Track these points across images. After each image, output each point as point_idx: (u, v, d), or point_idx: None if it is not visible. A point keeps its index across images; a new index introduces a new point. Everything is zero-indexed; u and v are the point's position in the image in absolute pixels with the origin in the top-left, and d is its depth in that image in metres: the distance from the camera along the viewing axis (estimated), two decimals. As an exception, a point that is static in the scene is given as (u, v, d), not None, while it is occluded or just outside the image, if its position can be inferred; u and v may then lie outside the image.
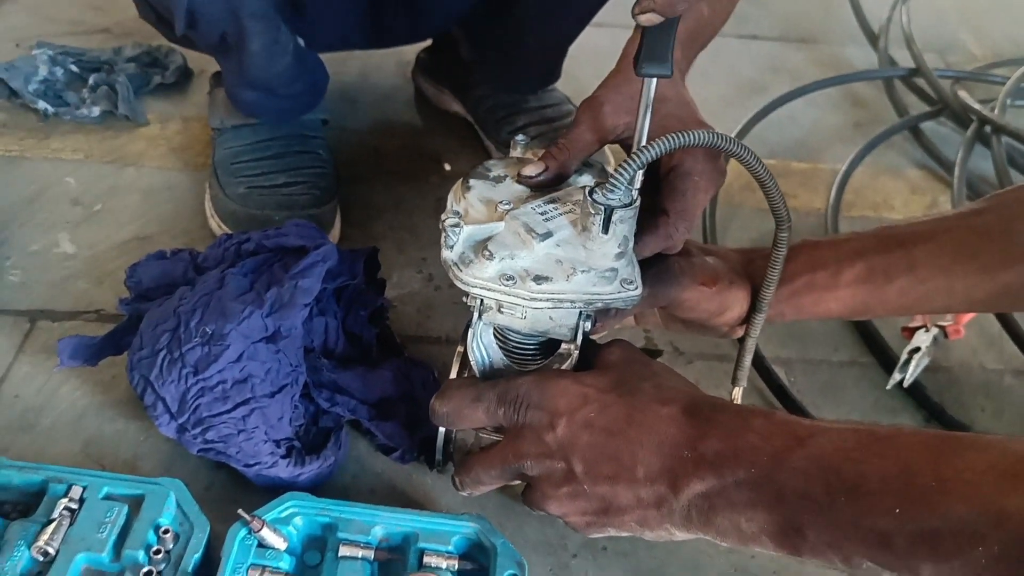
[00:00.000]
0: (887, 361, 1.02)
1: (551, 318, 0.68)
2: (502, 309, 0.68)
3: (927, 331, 1.01)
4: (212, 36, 0.98)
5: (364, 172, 1.23)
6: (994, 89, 1.52)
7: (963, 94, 1.45)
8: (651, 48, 0.62)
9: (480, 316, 0.69)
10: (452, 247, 0.67)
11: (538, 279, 0.65)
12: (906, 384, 0.99)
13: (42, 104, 1.22)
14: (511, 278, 0.65)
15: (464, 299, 0.68)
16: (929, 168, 1.39)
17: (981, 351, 1.07)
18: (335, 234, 1.10)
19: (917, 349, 0.99)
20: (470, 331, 0.70)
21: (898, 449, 0.55)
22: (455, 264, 0.66)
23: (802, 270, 0.77)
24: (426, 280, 1.08)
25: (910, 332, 1.02)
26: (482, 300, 0.67)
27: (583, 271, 0.66)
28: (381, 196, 1.20)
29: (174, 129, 1.26)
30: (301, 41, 1.06)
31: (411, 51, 1.37)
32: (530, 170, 0.72)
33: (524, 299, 0.65)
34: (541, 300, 0.65)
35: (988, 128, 1.37)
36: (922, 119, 1.46)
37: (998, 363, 1.06)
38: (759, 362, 0.99)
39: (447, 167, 1.26)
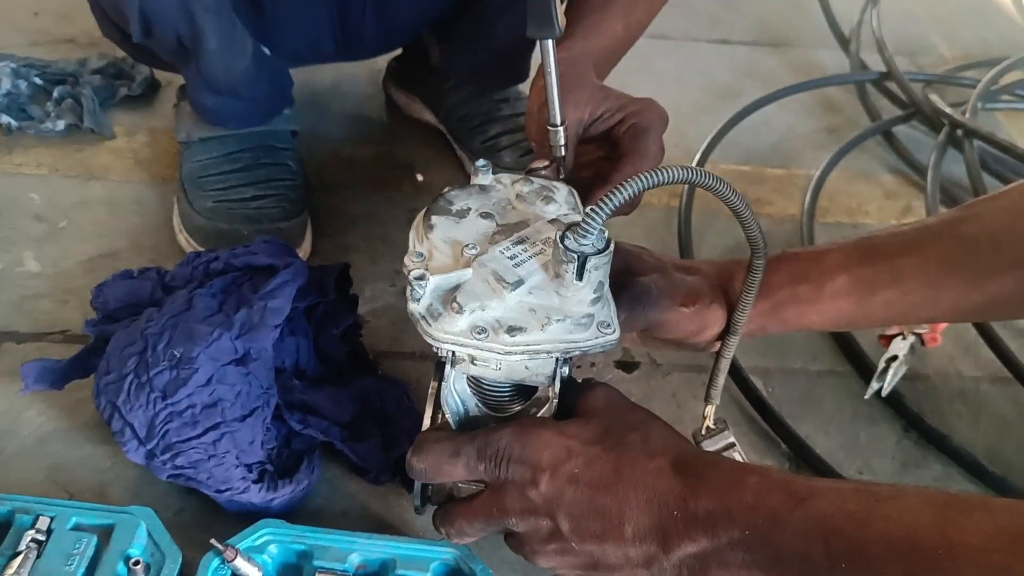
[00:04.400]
0: (864, 370, 1.02)
1: (527, 368, 0.65)
2: (475, 361, 0.65)
3: (904, 339, 1.01)
4: (169, 38, 0.96)
5: (336, 182, 1.22)
6: (965, 92, 1.52)
7: (934, 98, 1.45)
8: (536, 15, 0.70)
9: (452, 367, 0.66)
10: (419, 300, 0.64)
11: (512, 330, 0.62)
12: (884, 393, 0.99)
13: (5, 118, 1.20)
14: (483, 331, 0.62)
15: (435, 350, 0.65)
16: (902, 172, 1.40)
17: (958, 358, 1.07)
18: (306, 247, 1.09)
19: (895, 357, 0.99)
20: (443, 383, 0.67)
21: (902, 511, 0.53)
22: (423, 318, 0.63)
23: (784, 283, 0.75)
24: (400, 293, 1.06)
25: (887, 340, 1.02)
26: (453, 352, 0.65)
27: (558, 320, 0.63)
28: (353, 206, 1.18)
29: (141, 142, 1.24)
30: (267, 51, 1.05)
31: (383, 60, 1.36)
32: (538, 164, 0.78)
33: (498, 352, 0.63)
34: (516, 352, 0.62)
35: (960, 132, 1.38)
36: (894, 123, 1.47)
37: (975, 370, 1.06)
38: (737, 373, 0.99)
39: (420, 177, 1.25)
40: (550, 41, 0.72)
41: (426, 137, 1.31)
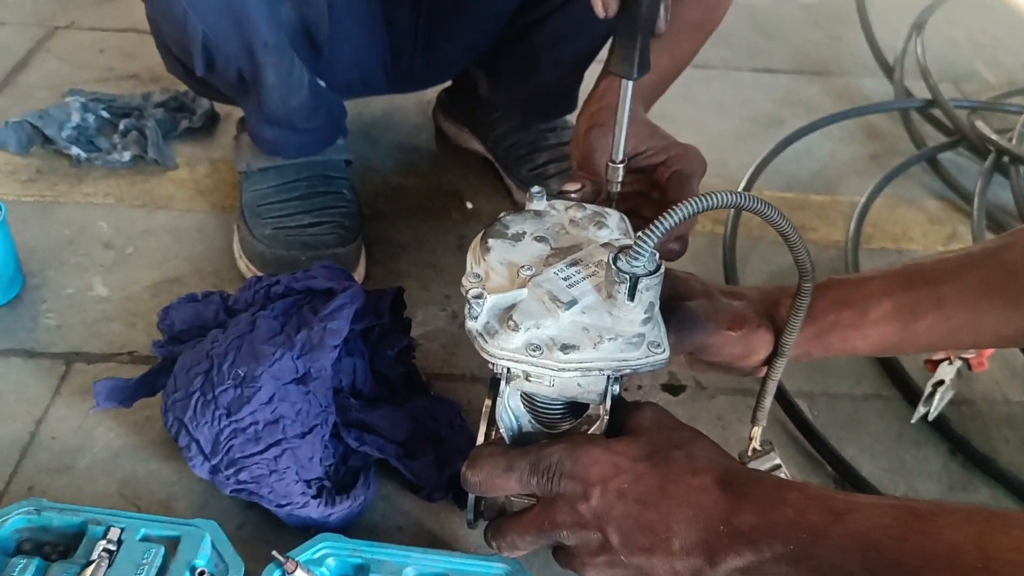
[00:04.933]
0: (910, 394, 1.03)
1: (579, 385, 0.67)
2: (529, 377, 0.67)
3: (950, 364, 1.01)
4: (230, 72, 1.01)
5: (387, 210, 1.25)
6: (1011, 118, 1.53)
7: (980, 124, 1.46)
8: (620, 52, 0.74)
9: (507, 383, 0.68)
10: (476, 318, 0.66)
11: (565, 348, 0.65)
12: (931, 418, 0.99)
13: (75, 150, 1.26)
14: (538, 348, 0.65)
15: (490, 367, 0.67)
16: (948, 199, 1.40)
17: (1004, 383, 1.07)
18: (360, 273, 1.12)
19: (941, 382, 0.99)
20: (498, 399, 0.69)
21: (940, 527, 0.54)
22: (480, 335, 0.66)
23: (828, 309, 0.77)
24: (450, 317, 1.09)
25: (933, 365, 1.02)
26: (509, 369, 0.67)
27: (610, 338, 0.65)
28: (404, 234, 1.22)
29: (202, 172, 1.29)
30: (322, 83, 1.09)
31: (433, 91, 1.40)
32: (570, 186, 0.81)
33: (552, 369, 0.65)
34: (569, 369, 0.65)
35: (1006, 158, 1.38)
36: (939, 150, 1.47)
37: (1022, 395, 1.06)
38: (782, 396, 1.00)
39: (469, 205, 1.28)
40: (631, 84, 0.75)
41: (474, 166, 1.34)
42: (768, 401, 0.81)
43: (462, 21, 1.15)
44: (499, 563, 0.76)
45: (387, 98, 1.44)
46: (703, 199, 0.61)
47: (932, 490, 0.95)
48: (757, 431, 0.83)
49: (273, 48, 0.98)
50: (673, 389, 1.03)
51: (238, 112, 1.21)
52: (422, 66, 1.19)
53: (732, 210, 1.26)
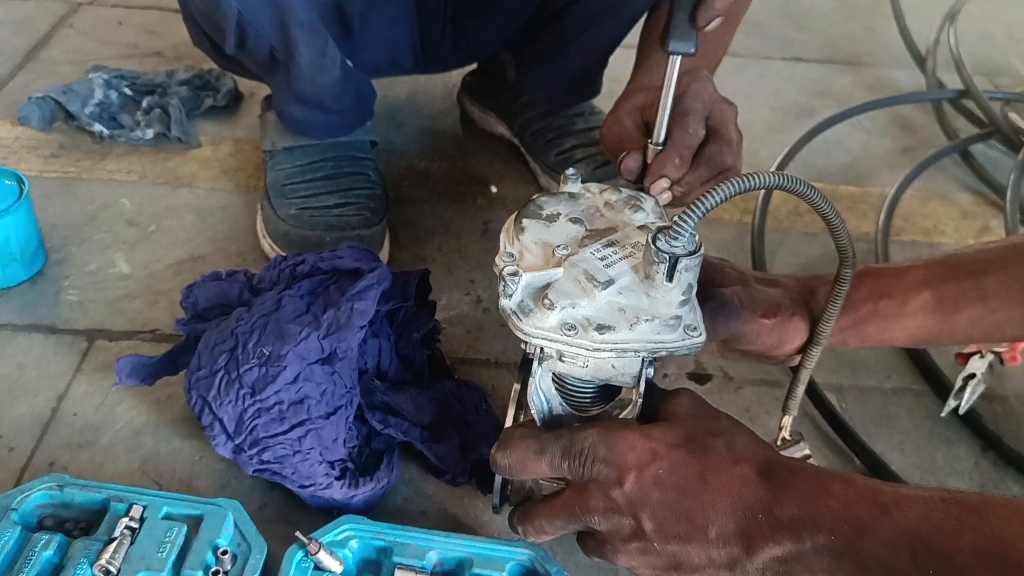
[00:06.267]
0: (940, 388, 1.01)
1: (614, 366, 0.66)
2: (563, 358, 0.66)
3: (982, 357, 0.99)
4: (261, 51, 0.99)
5: (412, 194, 1.24)
6: (1045, 112, 1.50)
7: (1014, 116, 1.44)
8: (678, 28, 0.72)
9: (540, 364, 0.67)
10: (511, 296, 0.65)
11: (601, 328, 0.63)
12: (962, 411, 0.97)
13: (98, 127, 1.25)
14: (573, 327, 0.63)
15: (523, 346, 0.66)
16: (980, 192, 1.38)
17: (1038, 379, 1.05)
18: (384, 255, 1.11)
19: (972, 375, 0.98)
20: (530, 380, 0.68)
21: (991, 520, 0.53)
22: (514, 313, 0.65)
23: (866, 298, 0.75)
24: (475, 302, 1.08)
25: (964, 358, 1.00)
26: (542, 349, 0.66)
27: (647, 320, 0.64)
28: (429, 218, 1.20)
29: (226, 151, 1.28)
30: (350, 63, 1.08)
31: (458, 74, 1.38)
32: (631, 162, 0.79)
33: (587, 349, 0.64)
34: (604, 350, 0.64)
35: (1040, 152, 1.35)
36: (972, 142, 1.45)
37: (1055, 391, 1.04)
38: (810, 388, 0.98)
39: (494, 189, 1.27)
40: (679, 58, 0.73)
41: (499, 151, 1.33)
42: (801, 390, 0.80)
43: (492, 2, 1.14)
44: (523, 548, 0.75)
45: (412, 82, 1.43)
46: (745, 179, 0.59)
47: (963, 487, 0.93)
48: (788, 420, 0.82)
49: (308, 27, 0.96)
50: (699, 378, 1.02)
51: (262, 91, 1.19)
52: (451, 47, 1.18)
53: (760, 200, 1.25)
